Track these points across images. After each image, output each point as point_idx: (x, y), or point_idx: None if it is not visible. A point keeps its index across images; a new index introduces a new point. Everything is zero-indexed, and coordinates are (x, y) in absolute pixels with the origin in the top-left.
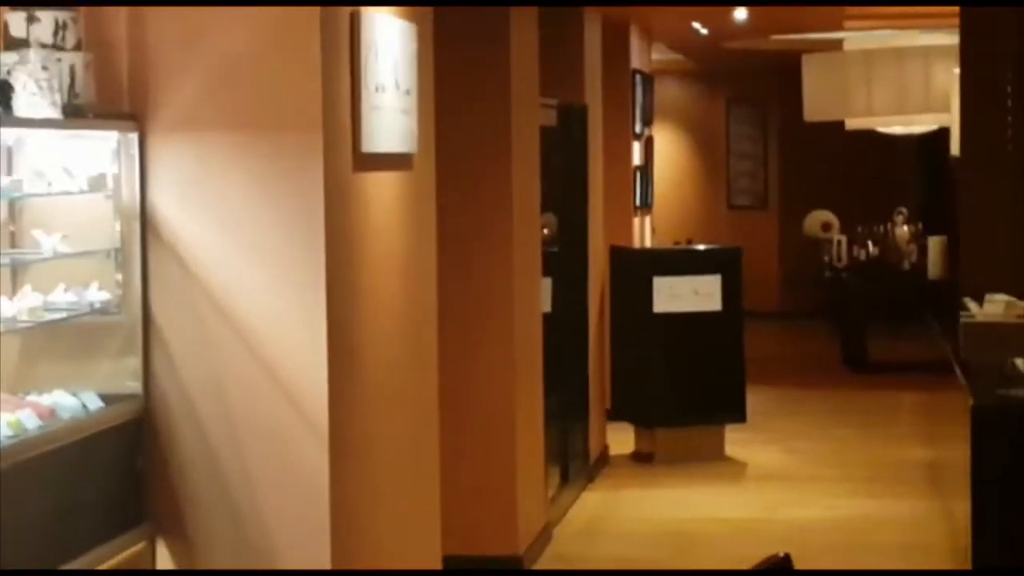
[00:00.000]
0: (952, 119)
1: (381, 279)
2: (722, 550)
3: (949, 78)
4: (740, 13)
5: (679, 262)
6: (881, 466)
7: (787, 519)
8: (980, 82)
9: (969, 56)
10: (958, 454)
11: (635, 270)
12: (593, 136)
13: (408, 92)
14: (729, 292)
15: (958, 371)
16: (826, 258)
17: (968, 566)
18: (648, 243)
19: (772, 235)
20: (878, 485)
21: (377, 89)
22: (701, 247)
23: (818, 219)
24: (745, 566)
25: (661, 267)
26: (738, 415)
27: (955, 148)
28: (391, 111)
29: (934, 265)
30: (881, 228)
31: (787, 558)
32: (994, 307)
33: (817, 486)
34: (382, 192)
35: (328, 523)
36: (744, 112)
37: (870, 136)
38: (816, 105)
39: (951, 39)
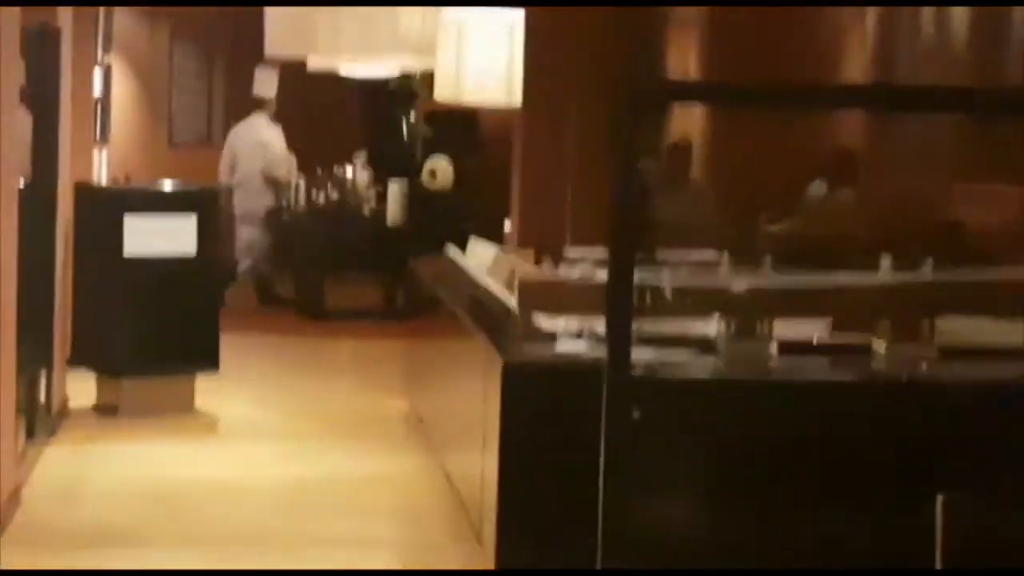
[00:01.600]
0: (429, 62)
1: None
2: (213, 512)
3: (417, 20)
4: None
5: (153, 201)
6: (362, 420)
7: (274, 478)
8: (543, 34)
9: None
10: (435, 407)
11: (104, 209)
12: (64, 62)
13: None
14: (205, 234)
15: (475, 327)
16: (284, 201)
17: (488, 529)
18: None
19: (216, 173)
20: (363, 441)
21: None
22: (173, 186)
23: None
24: (241, 528)
25: (133, 206)
26: (212, 364)
27: (443, 93)
28: None
29: (393, 211)
30: (340, 172)
31: None
32: (479, 258)
33: (299, 442)
34: None
35: None
36: (189, 46)
37: (328, 77)
38: (278, 41)
39: None
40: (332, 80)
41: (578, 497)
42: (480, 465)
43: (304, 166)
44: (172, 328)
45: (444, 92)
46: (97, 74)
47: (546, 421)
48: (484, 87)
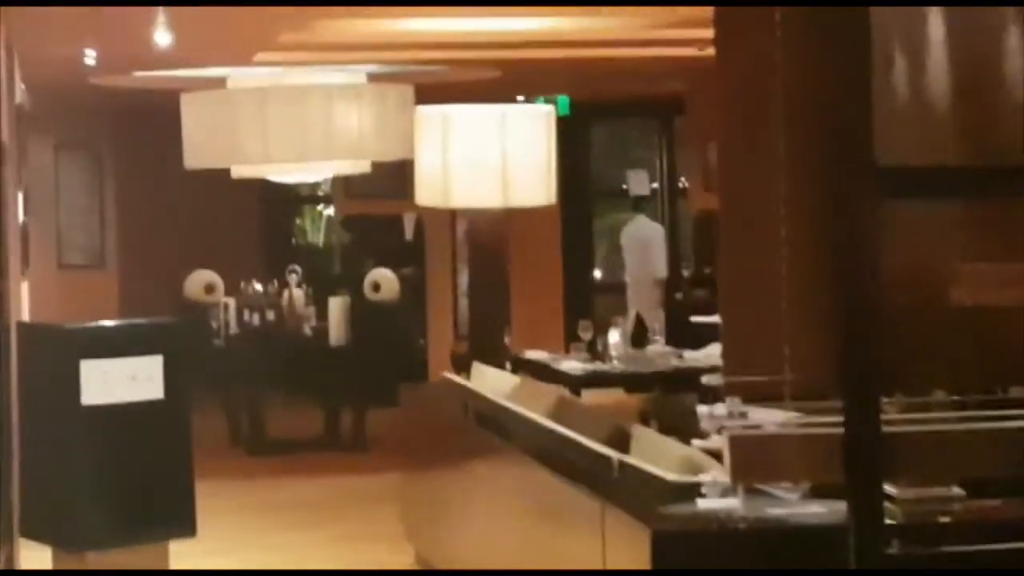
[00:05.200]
0: (364, 165)
1: None
2: None
3: (352, 122)
4: (163, 37)
5: (111, 341)
6: None
7: None
8: (741, 119)
9: (730, 87)
10: (483, 563)
11: (56, 353)
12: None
13: None
14: (172, 375)
15: (555, 473)
16: (215, 324)
17: None
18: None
19: (112, 297)
20: None
21: None
22: (139, 321)
23: (200, 280)
24: None
25: (91, 349)
26: (186, 527)
27: (426, 197)
28: None
29: (337, 330)
30: (274, 289)
31: None
32: (492, 383)
33: None
34: None
35: None
36: (76, 160)
37: (233, 185)
38: (199, 151)
39: (352, 78)
40: (227, 186)
41: None
42: None
43: (229, 286)
44: (141, 487)
45: (428, 195)
46: (19, 196)
47: None
48: (475, 188)
